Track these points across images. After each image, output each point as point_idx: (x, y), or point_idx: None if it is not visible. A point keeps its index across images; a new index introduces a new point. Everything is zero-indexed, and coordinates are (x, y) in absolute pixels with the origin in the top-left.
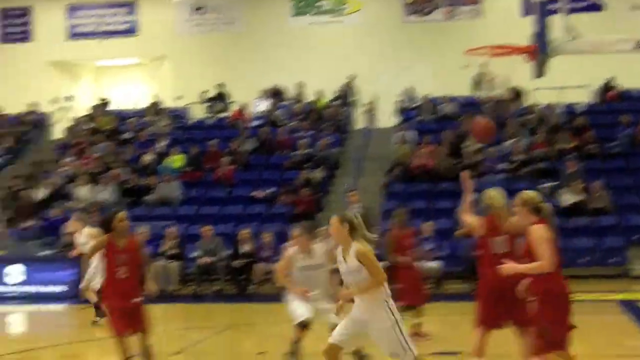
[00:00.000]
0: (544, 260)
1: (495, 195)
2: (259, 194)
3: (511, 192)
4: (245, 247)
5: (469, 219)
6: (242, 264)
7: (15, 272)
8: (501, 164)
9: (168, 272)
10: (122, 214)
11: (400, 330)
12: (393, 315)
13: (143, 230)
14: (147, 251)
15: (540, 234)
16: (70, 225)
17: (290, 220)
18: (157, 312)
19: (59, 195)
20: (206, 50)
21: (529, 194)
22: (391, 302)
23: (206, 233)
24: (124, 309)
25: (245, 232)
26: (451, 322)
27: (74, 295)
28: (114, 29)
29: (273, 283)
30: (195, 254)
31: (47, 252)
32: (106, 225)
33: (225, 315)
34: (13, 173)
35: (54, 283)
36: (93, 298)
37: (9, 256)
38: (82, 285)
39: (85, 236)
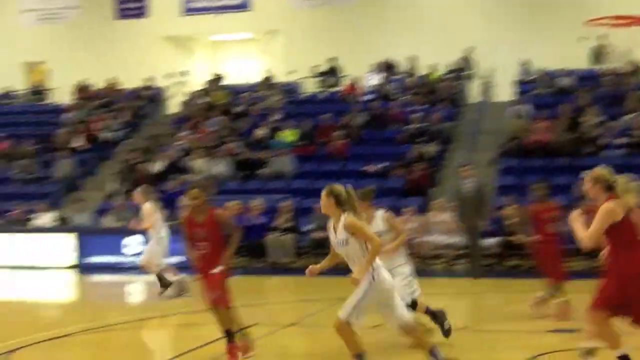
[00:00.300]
0: (588, 236)
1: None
2: (371, 168)
3: (631, 168)
4: None
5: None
6: None
7: (134, 243)
8: (620, 138)
9: (283, 244)
10: (195, 191)
11: (359, 299)
12: (368, 285)
13: (233, 204)
14: (233, 224)
15: (604, 209)
16: (134, 197)
17: (403, 195)
18: (272, 284)
19: (175, 168)
20: (318, 24)
21: (600, 170)
22: (378, 274)
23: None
24: (207, 283)
25: None
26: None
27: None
28: (228, 3)
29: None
30: (308, 227)
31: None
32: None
33: (339, 287)
34: (130, 146)
35: (171, 254)
36: (153, 270)
37: (127, 228)
38: (142, 260)
39: (143, 210)
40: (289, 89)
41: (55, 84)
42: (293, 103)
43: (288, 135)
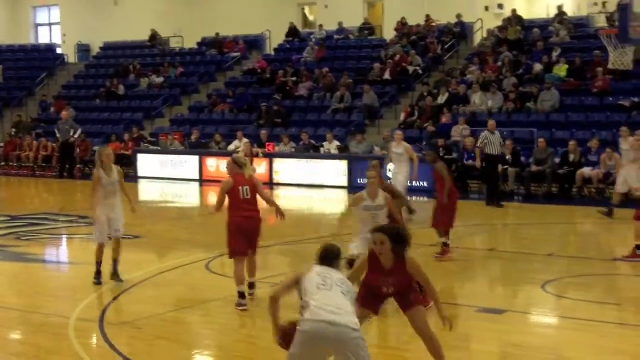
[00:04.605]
0: None
1: None
2: (626, 102)
3: None
4: None
5: None
6: None
7: None
8: None
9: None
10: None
11: None
12: None
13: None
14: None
15: None
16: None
17: None
18: None
19: (457, 100)
20: None
21: None
22: None
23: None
24: None
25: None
26: None
27: None
28: None
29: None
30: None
31: None
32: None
33: None
34: (426, 80)
35: None
36: None
37: None
38: None
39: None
40: (579, 24)
41: (386, 20)
42: (577, 38)
43: (561, 70)
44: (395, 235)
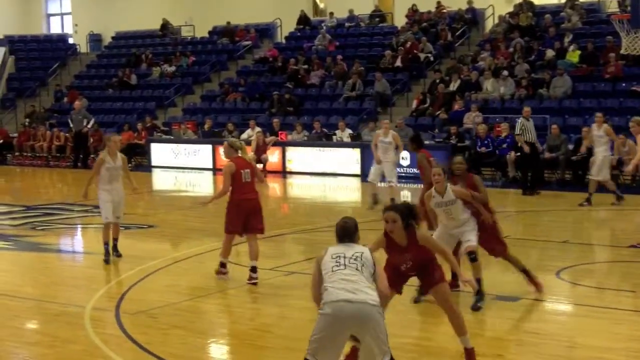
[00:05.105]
0: None
1: None
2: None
3: None
4: None
5: None
6: None
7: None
8: None
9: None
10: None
11: None
12: None
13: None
14: None
15: None
16: None
17: None
18: None
19: (469, 87)
20: None
21: None
22: None
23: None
24: None
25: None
26: None
27: None
28: None
29: None
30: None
31: None
32: None
33: None
34: (437, 67)
35: None
36: None
37: None
38: None
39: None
40: (591, 9)
41: (397, 7)
42: (589, 24)
43: (574, 56)
44: (406, 212)
